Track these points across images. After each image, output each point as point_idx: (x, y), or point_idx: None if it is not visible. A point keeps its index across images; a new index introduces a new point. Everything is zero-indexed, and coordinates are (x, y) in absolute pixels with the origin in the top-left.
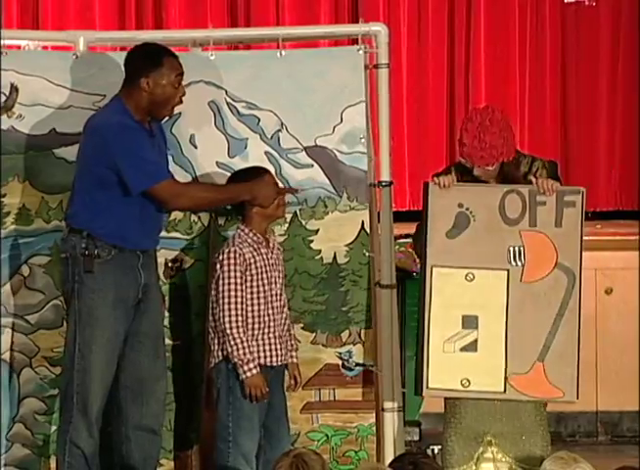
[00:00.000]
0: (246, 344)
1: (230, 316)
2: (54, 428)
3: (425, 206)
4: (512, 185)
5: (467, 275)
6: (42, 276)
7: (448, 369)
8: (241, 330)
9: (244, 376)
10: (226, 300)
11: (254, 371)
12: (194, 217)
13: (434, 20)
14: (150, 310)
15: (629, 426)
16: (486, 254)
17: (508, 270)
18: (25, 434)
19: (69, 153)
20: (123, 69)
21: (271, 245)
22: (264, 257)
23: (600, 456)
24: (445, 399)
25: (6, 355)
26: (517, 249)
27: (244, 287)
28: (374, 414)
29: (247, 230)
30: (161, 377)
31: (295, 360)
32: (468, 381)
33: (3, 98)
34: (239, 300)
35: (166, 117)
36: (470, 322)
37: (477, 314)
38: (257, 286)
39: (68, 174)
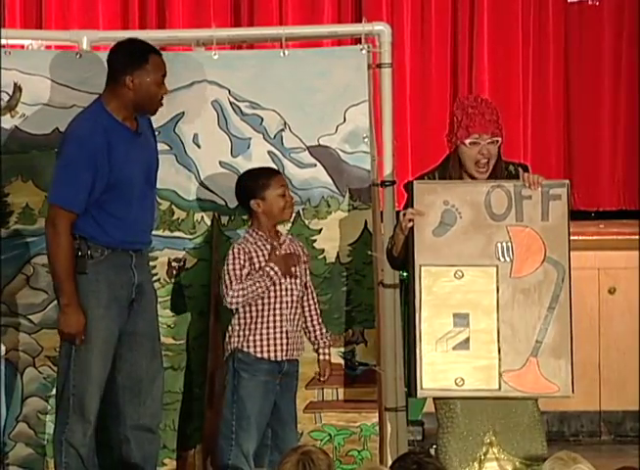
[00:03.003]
0: (251, 280)
1: (233, 290)
2: (53, 430)
3: (410, 205)
4: (496, 181)
5: (456, 273)
6: (45, 276)
7: (442, 369)
8: (244, 284)
9: (278, 271)
10: (230, 282)
11: (273, 265)
12: (197, 217)
13: (438, 19)
14: (146, 310)
15: (632, 425)
16: (474, 250)
17: (497, 266)
18: (29, 433)
19: None
20: (106, 66)
21: (282, 240)
22: (270, 252)
23: (603, 456)
24: (435, 401)
25: (10, 355)
26: (504, 244)
27: (246, 272)
28: (377, 414)
29: (251, 231)
30: (158, 376)
31: (326, 357)
32: (462, 380)
33: (6, 97)
34: (243, 279)
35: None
36: (461, 320)
37: (467, 312)
38: None
39: None
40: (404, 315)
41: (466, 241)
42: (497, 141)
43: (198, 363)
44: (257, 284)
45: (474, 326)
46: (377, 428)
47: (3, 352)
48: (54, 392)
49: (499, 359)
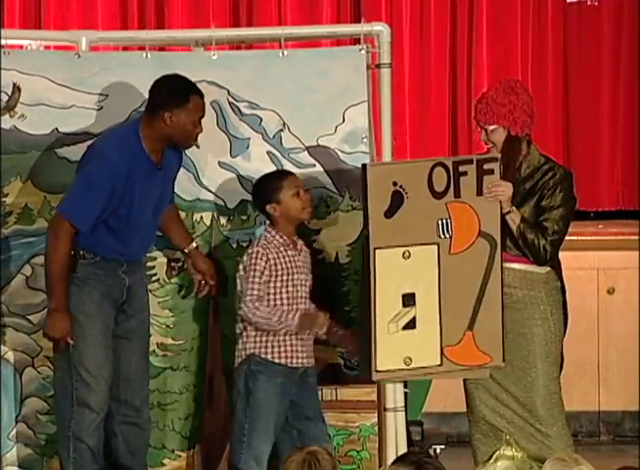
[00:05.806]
0: (273, 310)
1: (252, 302)
2: (56, 428)
3: (364, 188)
4: (437, 158)
5: (404, 253)
6: (44, 276)
7: (393, 350)
8: (263, 307)
9: (295, 324)
10: (248, 291)
11: (297, 315)
12: (196, 217)
13: (437, 19)
14: (138, 310)
15: (631, 426)
16: (419, 229)
17: (438, 244)
18: (28, 433)
19: (72, 152)
20: (147, 95)
21: (299, 247)
22: (291, 259)
23: (602, 456)
24: (466, 394)
25: (8, 355)
26: (444, 221)
27: (265, 279)
28: (376, 414)
29: (273, 232)
30: (146, 373)
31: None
32: (410, 359)
33: (5, 98)
34: (261, 286)
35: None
36: (409, 300)
37: (414, 291)
38: (281, 286)
39: (71, 174)
40: None
41: (412, 220)
42: (490, 129)
43: (197, 363)
44: (276, 320)
45: (419, 305)
46: (376, 428)
47: (2, 353)
48: (53, 392)
49: (441, 335)
